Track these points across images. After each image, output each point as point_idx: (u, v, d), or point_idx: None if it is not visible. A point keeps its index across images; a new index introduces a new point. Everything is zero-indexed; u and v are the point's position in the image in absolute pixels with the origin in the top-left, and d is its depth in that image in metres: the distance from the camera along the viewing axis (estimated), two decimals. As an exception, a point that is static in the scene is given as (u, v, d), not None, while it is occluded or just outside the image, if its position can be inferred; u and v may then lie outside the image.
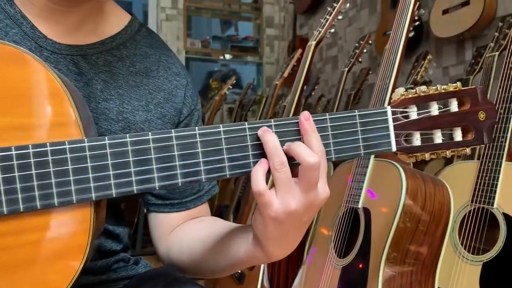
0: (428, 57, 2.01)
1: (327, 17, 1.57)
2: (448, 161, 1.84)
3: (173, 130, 0.60)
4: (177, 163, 0.59)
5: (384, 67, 1.12)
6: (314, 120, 0.58)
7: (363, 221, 1.08)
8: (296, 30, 4.66)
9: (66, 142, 0.57)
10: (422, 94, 0.59)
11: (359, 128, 0.60)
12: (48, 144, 0.57)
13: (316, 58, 4.26)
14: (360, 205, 1.09)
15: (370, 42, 2.07)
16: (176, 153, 0.59)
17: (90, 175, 0.58)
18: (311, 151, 0.54)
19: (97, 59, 0.71)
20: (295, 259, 1.42)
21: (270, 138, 0.55)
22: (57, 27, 0.70)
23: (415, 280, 0.99)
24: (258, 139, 0.58)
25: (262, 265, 1.37)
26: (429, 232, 1.00)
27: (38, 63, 0.58)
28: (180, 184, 0.60)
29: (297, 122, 0.59)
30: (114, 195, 0.59)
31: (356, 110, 0.60)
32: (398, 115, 0.60)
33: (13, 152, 0.56)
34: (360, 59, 2.08)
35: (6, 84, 0.57)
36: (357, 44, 2.12)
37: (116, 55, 0.73)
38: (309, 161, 0.53)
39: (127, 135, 0.59)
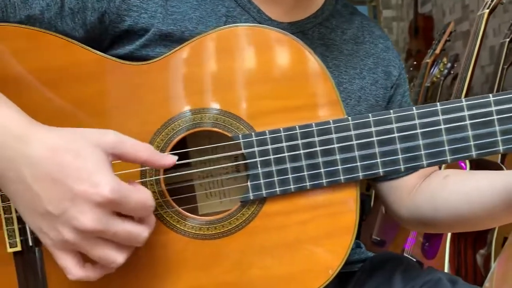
0: None
1: (500, -19, 1.42)
2: None
3: (438, 103, 0.56)
4: (444, 138, 0.56)
5: None
6: None
7: None
8: (418, 8, 4.39)
9: (331, 121, 0.57)
10: None
11: None
12: (313, 124, 0.57)
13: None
14: None
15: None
16: (442, 126, 0.56)
17: (356, 154, 0.57)
18: None
19: (313, 33, 0.72)
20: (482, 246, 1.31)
21: None
22: (279, 7, 0.71)
23: None
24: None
25: (447, 253, 1.30)
26: None
27: (300, 46, 0.59)
28: (449, 161, 0.57)
29: None
30: (380, 174, 0.57)
31: None
32: None
33: (282, 134, 0.57)
34: (523, 28, 1.86)
35: (274, 68, 0.59)
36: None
37: (328, 26, 0.73)
38: None
39: (391, 111, 0.57)
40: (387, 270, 0.71)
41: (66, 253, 0.48)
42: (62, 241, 0.47)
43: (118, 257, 0.48)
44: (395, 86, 0.76)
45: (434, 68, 2.46)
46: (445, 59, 2.36)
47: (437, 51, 2.04)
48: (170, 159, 0.53)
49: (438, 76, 2.34)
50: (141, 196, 0.48)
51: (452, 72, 3.13)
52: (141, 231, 0.49)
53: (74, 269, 0.48)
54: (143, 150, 0.51)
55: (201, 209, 0.68)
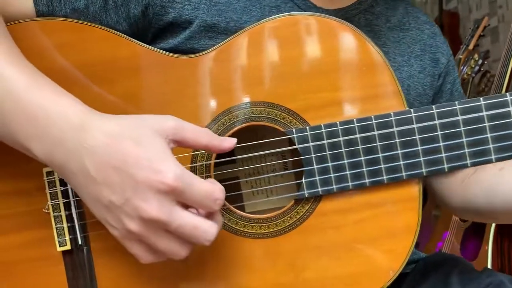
0: None
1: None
2: None
3: (508, 94, 0.53)
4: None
5: None
6: None
7: None
8: (443, 5, 4.30)
9: (392, 114, 0.54)
10: None
11: None
12: (373, 117, 0.54)
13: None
14: None
15: None
16: (512, 119, 0.52)
17: (419, 148, 0.53)
18: None
19: (359, 20, 0.69)
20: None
21: None
22: None
23: None
24: None
25: (489, 254, 1.24)
26: None
27: (359, 34, 0.56)
28: (519, 155, 0.53)
29: None
30: (446, 170, 0.54)
31: None
32: None
33: (338, 128, 0.54)
34: None
35: (330, 58, 0.56)
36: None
37: (374, 13, 0.71)
38: None
39: (456, 102, 0.53)
40: (442, 272, 0.67)
41: (133, 243, 0.46)
42: (127, 231, 0.45)
43: (181, 252, 0.46)
44: (444, 74, 0.73)
45: (464, 66, 2.39)
46: (476, 56, 2.30)
47: (470, 46, 1.98)
48: (230, 142, 0.50)
49: (469, 73, 2.28)
50: (208, 186, 0.45)
51: (482, 69, 3.04)
52: (208, 227, 0.45)
53: (144, 255, 0.47)
54: (203, 135, 0.48)
55: (247, 208, 0.65)
